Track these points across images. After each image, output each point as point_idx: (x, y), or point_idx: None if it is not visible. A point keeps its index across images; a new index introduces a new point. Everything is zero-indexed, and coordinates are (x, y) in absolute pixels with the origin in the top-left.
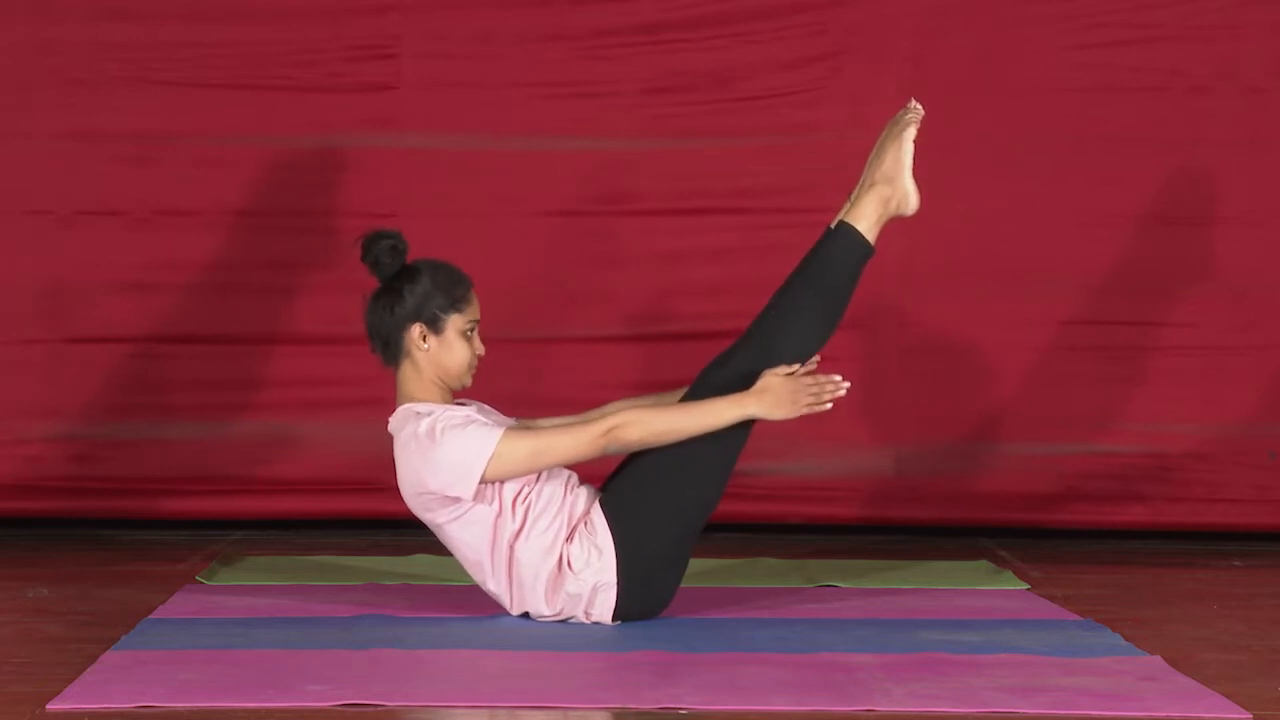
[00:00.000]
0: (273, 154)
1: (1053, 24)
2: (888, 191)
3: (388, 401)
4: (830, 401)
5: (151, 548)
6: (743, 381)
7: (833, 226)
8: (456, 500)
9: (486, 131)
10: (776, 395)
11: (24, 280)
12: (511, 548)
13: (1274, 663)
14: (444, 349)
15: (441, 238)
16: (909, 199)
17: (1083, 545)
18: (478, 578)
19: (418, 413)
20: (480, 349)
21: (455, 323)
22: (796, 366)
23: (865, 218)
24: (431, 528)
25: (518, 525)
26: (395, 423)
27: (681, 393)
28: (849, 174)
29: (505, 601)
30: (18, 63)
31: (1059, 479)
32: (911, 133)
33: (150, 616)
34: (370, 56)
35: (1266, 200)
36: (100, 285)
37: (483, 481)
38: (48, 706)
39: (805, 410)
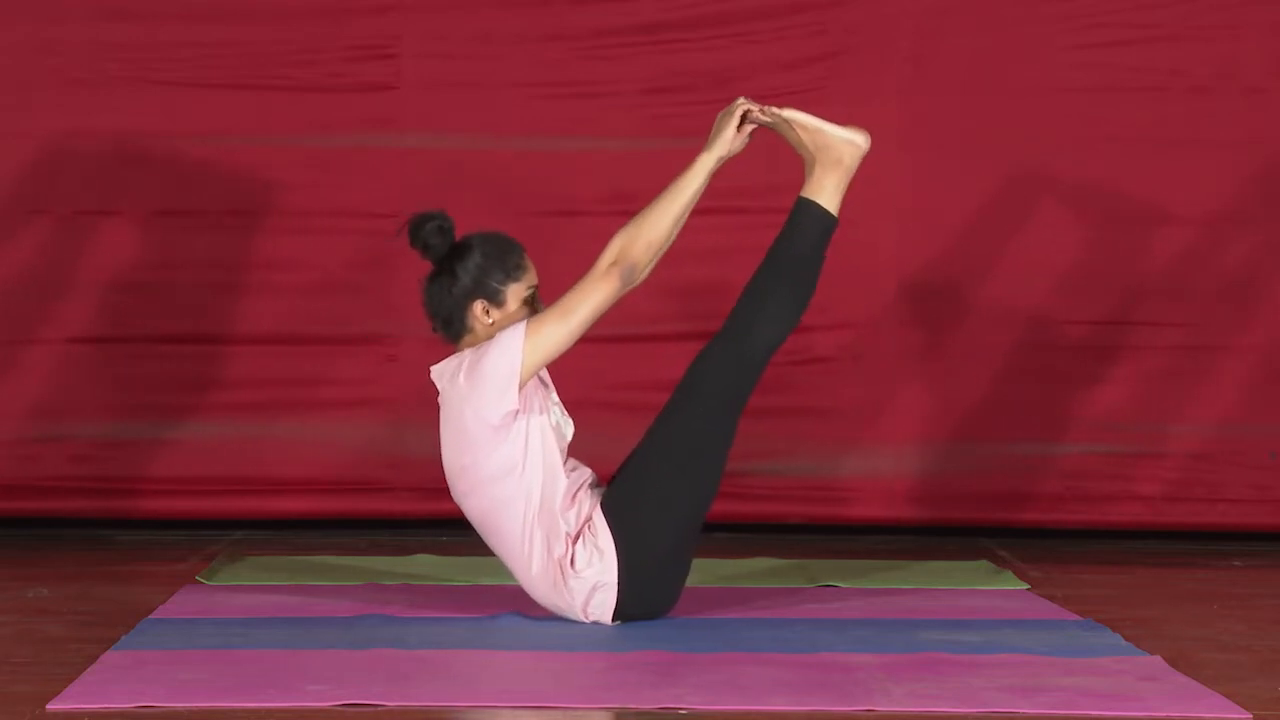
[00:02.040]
0: (273, 154)
1: (1053, 24)
2: (831, 157)
3: (387, 402)
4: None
5: (151, 548)
6: (727, 371)
7: (795, 204)
8: (506, 427)
9: (486, 131)
10: (717, 125)
11: (24, 280)
12: (553, 514)
13: (1274, 663)
14: (508, 320)
15: None
16: (855, 144)
17: (1083, 545)
18: (510, 538)
19: (458, 356)
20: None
21: (515, 292)
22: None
23: (824, 190)
24: (468, 491)
25: (559, 493)
26: (439, 369)
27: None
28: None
29: (530, 573)
30: (18, 62)
31: (1059, 479)
32: (788, 111)
33: (150, 616)
34: (370, 56)
35: (1266, 200)
36: (100, 285)
37: (523, 379)
38: (48, 706)
39: (742, 110)
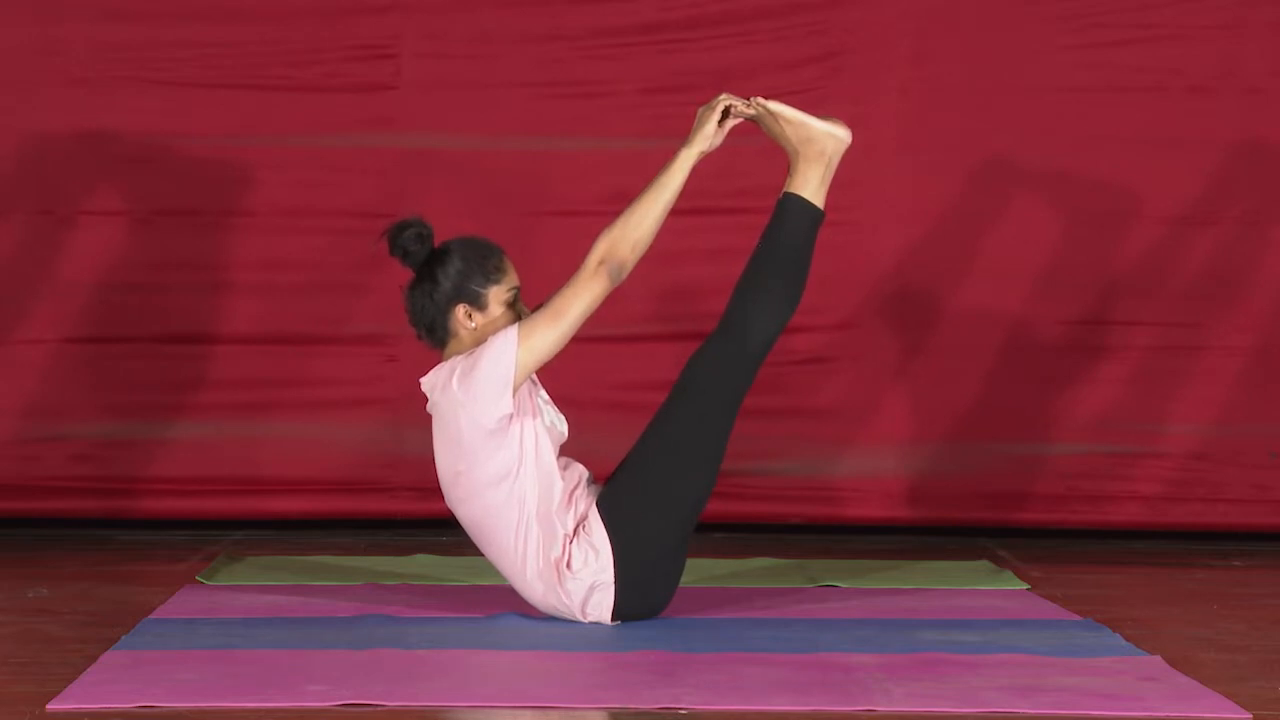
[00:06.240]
0: (273, 154)
1: (1053, 24)
2: (814, 150)
3: (387, 401)
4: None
5: (151, 548)
6: (724, 369)
7: (780, 199)
8: (502, 432)
9: (487, 131)
10: (698, 120)
11: (24, 280)
12: (549, 516)
13: (1274, 663)
14: (491, 323)
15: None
16: (837, 137)
17: (1083, 545)
18: (505, 543)
19: (448, 364)
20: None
21: (496, 294)
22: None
23: (808, 184)
24: (463, 497)
25: (556, 495)
26: (428, 380)
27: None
28: (848, 174)
29: (525, 577)
30: (19, 63)
31: (1059, 479)
32: (772, 103)
33: (150, 616)
34: (370, 56)
35: (1266, 200)
36: (100, 285)
37: (517, 383)
38: (48, 706)
39: (724, 105)
